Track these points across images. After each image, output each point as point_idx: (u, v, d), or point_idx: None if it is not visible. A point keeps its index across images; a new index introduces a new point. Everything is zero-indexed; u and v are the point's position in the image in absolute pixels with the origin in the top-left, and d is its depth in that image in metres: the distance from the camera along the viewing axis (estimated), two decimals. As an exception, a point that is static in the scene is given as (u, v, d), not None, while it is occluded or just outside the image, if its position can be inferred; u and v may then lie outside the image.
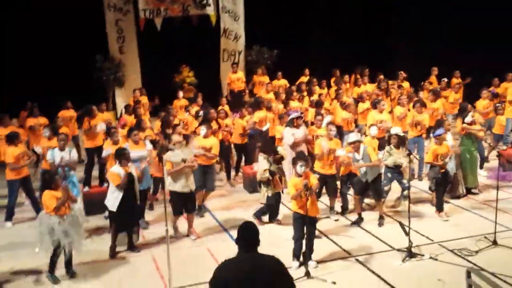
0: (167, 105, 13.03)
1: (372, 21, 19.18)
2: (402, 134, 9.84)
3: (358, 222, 9.21)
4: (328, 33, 19.18)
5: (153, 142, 9.93)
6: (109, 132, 9.94)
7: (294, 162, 7.75)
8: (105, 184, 9.87)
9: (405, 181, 9.45)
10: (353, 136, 9.19)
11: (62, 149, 9.45)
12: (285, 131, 10.62)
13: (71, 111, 13.00)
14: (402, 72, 15.63)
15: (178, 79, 17.34)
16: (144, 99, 14.37)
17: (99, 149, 10.57)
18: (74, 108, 13.03)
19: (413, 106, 11.62)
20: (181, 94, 14.44)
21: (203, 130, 9.78)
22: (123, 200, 7.97)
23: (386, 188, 9.65)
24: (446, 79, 15.26)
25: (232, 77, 16.53)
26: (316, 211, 7.72)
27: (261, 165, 9.08)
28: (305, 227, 7.47)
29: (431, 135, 10.45)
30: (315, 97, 13.50)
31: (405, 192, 9.29)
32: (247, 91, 16.34)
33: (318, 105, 12.45)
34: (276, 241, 8.32)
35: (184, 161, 8.48)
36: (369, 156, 8.94)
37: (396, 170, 9.57)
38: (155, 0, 16.78)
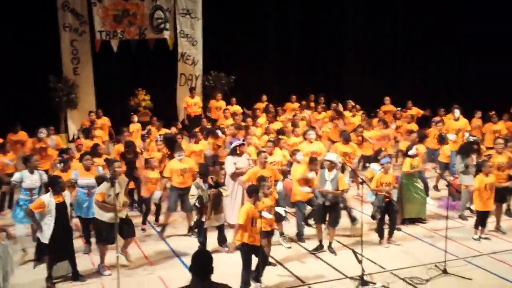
0: (122, 129, 12.77)
1: (324, 48, 19.55)
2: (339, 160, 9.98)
3: (317, 250, 9.19)
4: (280, 59, 19.42)
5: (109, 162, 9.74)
6: (61, 159, 9.70)
7: (260, 185, 7.91)
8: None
9: (349, 205, 9.62)
10: (331, 155, 9.24)
11: (32, 172, 8.94)
12: (227, 160, 10.43)
13: (20, 134, 12.42)
14: (350, 100, 15.96)
15: (134, 103, 17.15)
16: (105, 120, 14.10)
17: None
18: (25, 130, 12.47)
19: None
20: (135, 118, 14.25)
21: (179, 155, 9.84)
22: (56, 230, 7.61)
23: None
24: (399, 109, 15.64)
25: (189, 102, 16.46)
26: (259, 240, 7.62)
27: (192, 190, 8.85)
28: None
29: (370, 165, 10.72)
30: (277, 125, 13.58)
31: (352, 213, 9.41)
32: (203, 116, 16.28)
33: (280, 133, 12.48)
34: (227, 269, 8.21)
35: (116, 195, 7.93)
36: (337, 182, 9.00)
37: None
38: (112, 22, 16.68)
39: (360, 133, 12.67)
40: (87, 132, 12.27)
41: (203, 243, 8.88)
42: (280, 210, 8.49)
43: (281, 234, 9.62)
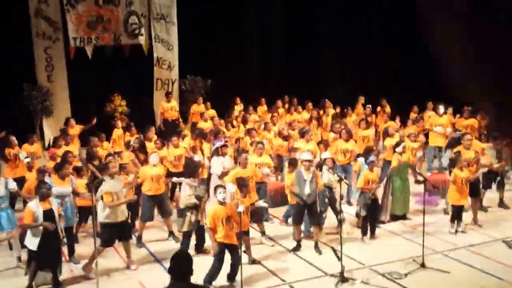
0: (100, 134, 12.63)
1: (298, 48, 19.64)
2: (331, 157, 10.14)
3: (296, 249, 9.23)
4: (257, 62, 19.49)
5: (78, 169, 9.67)
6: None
7: (215, 189, 7.89)
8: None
9: (336, 205, 9.63)
10: (306, 155, 9.23)
11: None
12: (213, 161, 10.49)
13: None
14: (326, 99, 16.07)
15: (110, 108, 17.04)
16: (77, 130, 13.92)
17: (21, 180, 10.19)
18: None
19: (340, 135, 11.96)
20: (119, 123, 14.04)
21: (154, 157, 9.76)
22: (44, 238, 7.54)
23: (324, 215, 9.78)
24: (370, 106, 15.77)
25: (165, 106, 16.40)
26: (235, 239, 7.73)
27: (184, 191, 8.88)
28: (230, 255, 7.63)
29: (358, 159, 10.82)
30: (249, 125, 13.64)
31: (340, 216, 9.43)
32: (180, 120, 16.24)
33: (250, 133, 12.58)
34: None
35: (116, 192, 8.28)
36: (316, 179, 9.05)
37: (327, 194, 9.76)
38: (86, 28, 16.54)
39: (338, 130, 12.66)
40: (57, 141, 12.12)
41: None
42: (260, 203, 8.57)
43: (263, 233, 9.65)
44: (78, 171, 9.60)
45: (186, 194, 8.78)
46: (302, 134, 12.04)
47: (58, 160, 10.17)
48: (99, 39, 16.69)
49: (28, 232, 7.68)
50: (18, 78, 15.62)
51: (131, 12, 17.09)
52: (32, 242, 7.61)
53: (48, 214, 7.62)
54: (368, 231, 9.70)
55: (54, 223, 7.68)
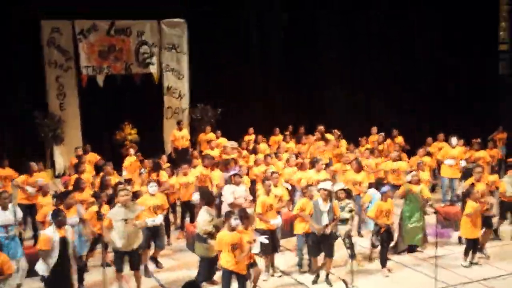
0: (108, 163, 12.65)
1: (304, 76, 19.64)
2: (346, 188, 9.99)
3: (315, 281, 9.11)
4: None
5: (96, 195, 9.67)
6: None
7: (228, 215, 7.87)
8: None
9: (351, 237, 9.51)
10: (326, 184, 9.13)
11: (5, 208, 8.86)
12: (225, 189, 10.45)
13: (7, 169, 12.09)
14: (336, 130, 15.92)
15: (120, 137, 17.12)
16: (92, 156, 13.94)
17: (33, 206, 10.22)
18: (11, 166, 12.25)
19: (351, 166, 11.91)
20: (132, 151, 14.09)
21: (152, 187, 9.64)
22: (57, 264, 7.52)
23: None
24: (383, 134, 15.74)
25: (177, 135, 16.46)
26: (244, 269, 7.69)
27: (202, 217, 8.78)
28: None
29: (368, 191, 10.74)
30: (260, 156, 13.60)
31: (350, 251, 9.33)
32: (191, 149, 16.24)
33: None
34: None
35: (125, 220, 8.25)
36: (334, 209, 8.94)
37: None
38: (98, 57, 16.75)
39: (349, 161, 12.61)
40: (76, 168, 12.13)
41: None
42: (261, 239, 8.48)
43: (272, 265, 9.54)
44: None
45: (206, 220, 8.68)
46: (313, 163, 12.00)
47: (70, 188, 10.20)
48: (110, 68, 16.88)
49: (41, 258, 7.64)
50: (29, 106, 15.78)
51: (143, 42, 17.30)
52: (43, 268, 7.58)
53: (63, 241, 7.60)
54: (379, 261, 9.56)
55: (67, 251, 7.66)
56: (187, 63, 17.88)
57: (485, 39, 19.02)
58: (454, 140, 13.67)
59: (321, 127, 15.71)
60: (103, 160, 12.85)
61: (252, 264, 8.29)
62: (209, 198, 9.16)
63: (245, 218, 8.19)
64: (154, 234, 9.58)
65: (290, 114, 18.51)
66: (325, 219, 8.83)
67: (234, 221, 7.68)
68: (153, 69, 17.45)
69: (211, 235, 8.57)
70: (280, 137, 16.33)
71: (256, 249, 8.07)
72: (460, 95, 19.07)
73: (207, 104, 17.98)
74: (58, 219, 7.66)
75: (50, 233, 7.58)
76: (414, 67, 19.04)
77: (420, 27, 19.13)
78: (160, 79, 17.64)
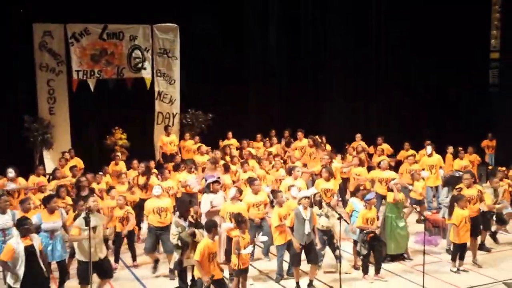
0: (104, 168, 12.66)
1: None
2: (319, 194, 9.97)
3: None
4: (259, 97, 19.49)
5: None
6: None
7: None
8: None
9: (335, 241, 9.47)
10: (307, 192, 9.18)
11: (3, 212, 8.76)
12: (203, 198, 10.32)
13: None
14: (317, 136, 15.79)
15: (110, 141, 17.01)
16: (76, 161, 13.86)
17: None
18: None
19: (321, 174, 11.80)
20: (119, 156, 13.99)
21: (157, 189, 9.74)
22: (26, 276, 7.33)
23: (322, 252, 9.64)
24: (361, 143, 15.67)
25: (165, 140, 16.40)
26: (219, 274, 7.70)
27: (171, 229, 8.78)
28: None
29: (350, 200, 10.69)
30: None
31: (337, 252, 9.31)
32: (179, 154, 16.16)
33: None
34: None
35: (94, 228, 7.97)
36: (313, 217, 8.94)
37: (326, 233, 9.59)
38: (90, 61, 16.66)
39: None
40: (55, 173, 12.17)
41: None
42: (260, 237, 8.62)
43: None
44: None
45: (171, 232, 8.70)
46: (290, 171, 11.87)
47: (47, 193, 10.16)
48: (102, 72, 16.79)
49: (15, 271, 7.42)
50: (18, 109, 15.68)
51: (135, 47, 17.22)
52: (12, 280, 7.41)
53: (29, 250, 7.41)
54: (373, 269, 9.51)
55: (36, 259, 7.46)
56: (179, 68, 17.84)
57: (476, 46, 19.07)
58: (429, 148, 13.78)
59: (316, 136, 15.64)
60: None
61: (245, 270, 8.21)
62: (183, 208, 8.96)
63: (242, 222, 8.19)
64: (161, 239, 9.69)
65: (285, 119, 18.55)
66: (307, 227, 8.81)
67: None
68: (145, 74, 17.38)
69: (181, 248, 8.46)
70: (261, 143, 16.40)
71: (248, 250, 8.05)
72: (458, 101, 19.01)
73: (198, 109, 17.93)
74: (24, 228, 7.48)
75: (14, 244, 7.38)
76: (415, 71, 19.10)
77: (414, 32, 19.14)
78: (151, 84, 17.59)
